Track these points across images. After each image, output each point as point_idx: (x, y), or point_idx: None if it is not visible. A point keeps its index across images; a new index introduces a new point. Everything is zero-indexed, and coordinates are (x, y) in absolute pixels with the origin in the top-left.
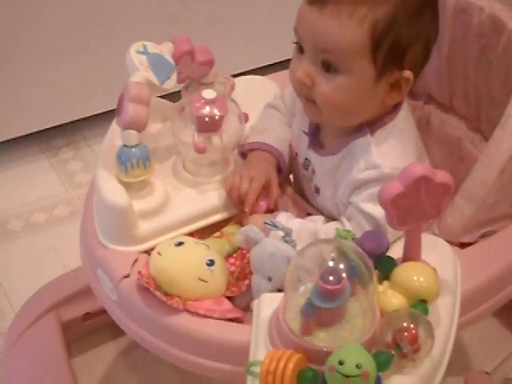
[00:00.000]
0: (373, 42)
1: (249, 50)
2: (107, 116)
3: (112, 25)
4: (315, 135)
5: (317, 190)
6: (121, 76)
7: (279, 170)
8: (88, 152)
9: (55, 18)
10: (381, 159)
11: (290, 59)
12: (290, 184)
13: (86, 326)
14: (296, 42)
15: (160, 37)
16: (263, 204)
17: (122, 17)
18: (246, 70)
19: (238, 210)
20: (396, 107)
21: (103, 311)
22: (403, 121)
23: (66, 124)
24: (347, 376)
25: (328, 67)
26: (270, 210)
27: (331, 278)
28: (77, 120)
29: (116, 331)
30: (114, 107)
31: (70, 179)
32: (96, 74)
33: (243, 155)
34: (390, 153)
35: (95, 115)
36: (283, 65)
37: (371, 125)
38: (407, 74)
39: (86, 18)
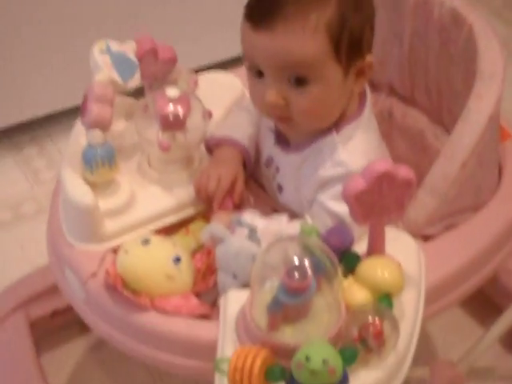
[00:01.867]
0: (332, 44)
1: (211, 44)
2: (71, 112)
3: (75, 22)
4: (281, 132)
5: (280, 188)
6: (84, 72)
7: (245, 167)
8: (52, 148)
9: (17, 15)
10: (347, 157)
11: None
12: (256, 181)
13: (55, 323)
14: (250, 69)
15: (123, 35)
16: (230, 202)
17: (85, 14)
18: (208, 63)
19: (204, 207)
20: (361, 104)
21: (71, 308)
22: (368, 118)
23: (30, 120)
24: (314, 372)
25: (298, 82)
26: (237, 207)
27: (297, 274)
28: (41, 117)
29: (84, 328)
30: (78, 103)
31: (34, 176)
32: (60, 71)
33: (209, 149)
34: (356, 150)
35: (59, 112)
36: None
37: (337, 122)
38: (369, 58)
39: (49, 15)
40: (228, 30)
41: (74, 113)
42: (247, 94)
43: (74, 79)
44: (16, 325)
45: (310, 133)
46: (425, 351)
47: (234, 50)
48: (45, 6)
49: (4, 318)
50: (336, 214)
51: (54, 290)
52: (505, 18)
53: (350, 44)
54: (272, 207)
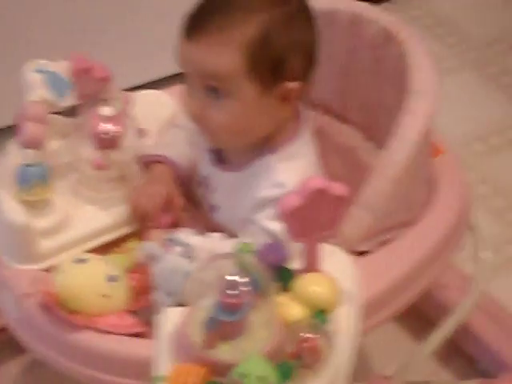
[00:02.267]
0: (247, 63)
1: (144, 64)
2: (2, 132)
3: (7, 41)
4: (218, 152)
5: (215, 208)
6: (16, 93)
7: (180, 184)
8: None
9: None
10: (284, 177)
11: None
12: (189, 200)
13: None
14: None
15: (56, 54)
16: (166, 219)
17: (18, 33)
18: (141, 83)
19: (139, 225)
20: (298, 121)
21: (3, 330)
22: (305, 138)
23: None
24: None
25: (213, 92)
26: (174, 224)
27: (231, 291)
28: None
29: (18, 348)
30: (10, 123)
31: None
32: None
33: (144, 166)
34: (294, 170)
35: None
36: (178, 78)
37: (274, 142)
38: (291, 85)
39: None
40: (161, 49)
41: (5, 133)
42: (181, 113)
43: (5, 99)
44: None
45: (246, 152)
46: (360, 367)
47: (167, 69)
48: None
49: None
50: (272, 233)
51: None
52: (436, 33)
53: (268, 66)
54: (207, 227)
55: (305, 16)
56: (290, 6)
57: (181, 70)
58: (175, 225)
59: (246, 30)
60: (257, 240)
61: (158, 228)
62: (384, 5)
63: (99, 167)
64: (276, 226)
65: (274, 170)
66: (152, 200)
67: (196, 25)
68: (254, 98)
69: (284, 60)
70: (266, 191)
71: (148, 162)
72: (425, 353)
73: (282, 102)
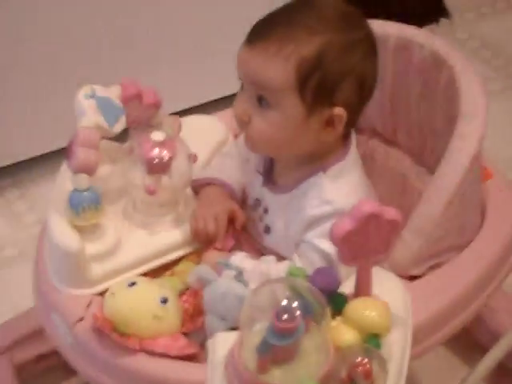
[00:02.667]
0: (299, 80)
1: (193, 87)
2: (53, 156)
3: (58, 67)
4: (269, 173)
5: (267, 230)
6: (67, 117)
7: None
8: (35, 192)
9: (1, 60)
10: (333, 195)
11: (233, 94)
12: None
13: (39, 367)
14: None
15: (107, 80)
16: (230, 239)
17: (68, 60)
18: (190, 106)
19: (203, 248)
20: (346, 143)
21: (56, 352)
22: (354, 157)
23: (13, 164)
24: None
25: (261, 101)
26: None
27: (285, 316)
28: (23, 160)
29: (69, 372)
30: (60, 147)
31: (16, 220)
32: (42, 115)
33: (196, 191)
34: (343, 189)
35: (41, 155)
36: (227, 101)
37: (324, 162)
38: (338, 111)
39: (32, 61)
40: (210, 73)
41: (55, 156)
42: (231, 138)
43: (56, 124)
44: (1, 370)
45: (295, 173)
46: None
47: (217, 92)
48: (30, 51)
49: None
50: (323, 252)
51: (38, 334)
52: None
53: (319, 88)
54: (258, 250)
55: (367, 46)
56: (354, 34)
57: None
58: (236, 246)
59: (304, 48)
60: (308, 259)
61: (221, 250)
62: (429, 27)
63: (151, 192)
64: (327, 245)
65: (323, 188)
66: (214, 221)
67: (258, 32)
68: (298, 115)
69: (336, 85)
70: (316, 209)
71: (200, 186)
72: (475, 378)
73: (325, 126)
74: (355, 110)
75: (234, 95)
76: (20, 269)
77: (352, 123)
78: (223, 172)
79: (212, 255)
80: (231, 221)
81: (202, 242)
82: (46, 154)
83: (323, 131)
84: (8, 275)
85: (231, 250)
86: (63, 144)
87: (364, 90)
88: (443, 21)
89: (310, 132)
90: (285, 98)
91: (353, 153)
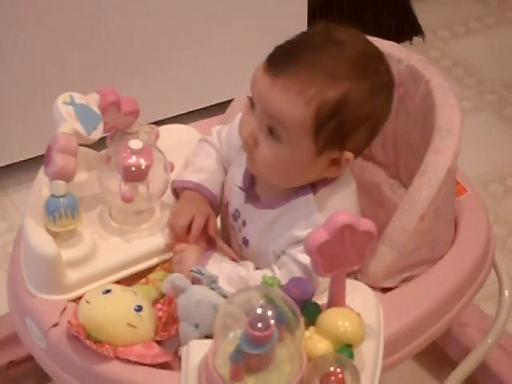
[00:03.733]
0: (316, 123)
1: (170, 98)
2: (25, 164)
3: (34, 75)
4: (250, 187)
5: (245, 242)
6: (39, 126)
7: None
8: (5, 200)
9: None
10: (322, 217)
11: (209, 106)
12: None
13: (10, 374)
14: (250, 97)
15: (86, 88)
16: (202, 241)
17: (46, 67)
18: (166, 117)
19: (164, 258)
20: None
21: (27, 359)
22: (347, 178)
23: None
24: None
25: (271, 131)
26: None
27: (259, 324)
28: None
29: (40, 379)
30: (32, 156)
31: None
32: (14, 124)
33: (176, 191)
34: (332, 211)
35: (12, 164)
36: (202, 112)
37: (314, 183)
38: (347, 155)
39: (6, 69)
40: (185, 84)
41: (27, 165)
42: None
43: (27, 133)
44: None
45: (284, 191)
46: None
47: (191, 104)
48: (10, 56)
49: None
50: (304, 266)
51: (10, 341)
52: (454, 74)
53: (334, 133)
54: (232, 258)
55: (388, 92)
56: (377, 81)
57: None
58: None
59: (326, 93)
60: (288, 270)
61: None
62: (403, 45)
63: (128, 199)
64: (308, 259)
65: (313, 211)
66: (191, 219)
67: (280, 66)
68: (307, 154)
69: (351, 132)
70: (303, 231)
71: (180, 188)
72: None
73: (330, 165)
74: (362, 150)
75: (208, 107)
76: None
77: (360, 154)
78: (206, 174)
79: (181, 247)
80: (205, 226)
81: (176, 238)
82: (16, 163)
83: (327, 169)
84: None
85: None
86: (33, 153)
87: (375, 133)
88: (416, 39)
89: (314, 169)
90: (298, 137)
91: (346, 173)
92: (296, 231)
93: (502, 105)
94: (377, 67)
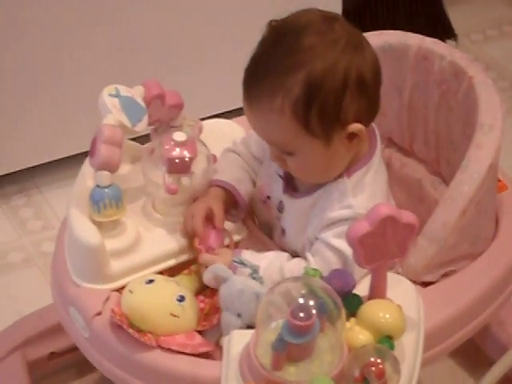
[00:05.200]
0: (300, 123)
1: (215, 95)
2: (59, 163)
3: (73, 73)
4: (290, 180)
5: (282, 232)
6: (75, 124)
7: (236, 204)
8: (40, 199)
9: (8, 65)
10: (355, 200)
11: None
12: (254, 222)
13: (52, 365)
14: None
15: (131, 80)
16: (213, 238)
17: (86, 63)
18: (212, 114)
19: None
20: (371, 148)
21: (68, 350)
22: (378, 163)
23: (18, 171)
24: None
25: (284, 151)
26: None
27: (301, 314)
28: (29, 167)
29: (81, 370)
30: (67, 155)
31: (22, 226)
32: (48, 123)
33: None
34: (364, 194)
35: (47, 163)
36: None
37: (348, 167)
38: (352, 128)
39: (46, 65)
40: (232, 81)
41: (61, 164)
42: (240, 140)
43: (61, 132)
44: (13, 367)
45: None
46: None
47: (236, 101)
48: (43, 53)
49: (1, 360)
50: (338, 251)
51: (52, 332)
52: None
53: (322, 119)
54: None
55: (348, 46)
56: (328, 46)
57: None
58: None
59: (291, 91)
60: (322, 256)
61: (204, 247)
62: None
63: (172, 192)
64: (342, 244)
65: (347, 193)
66: (190, 219)
67: (248, 87)
68: (319, 150)
69: (337, 106)
70: (336, 212)
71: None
72: None
73: (350, 141)
74: (368, 113)
75: None
76: (24, 275)
77: (370, 121)
78: (224, 172)
79: (204, 258)
80: (211, 218)
81: (186, 236)
82: (51, 162)
83: (350, 146)
84: (13, 280)
85: (236, 248)
86: (68, 152)
87: (366, 90)
88: (449, 42)
89: (339, 154)
90: (298, 144)
91: (377, 157)
92: (329, 213)
93: None
94: (319, 33)
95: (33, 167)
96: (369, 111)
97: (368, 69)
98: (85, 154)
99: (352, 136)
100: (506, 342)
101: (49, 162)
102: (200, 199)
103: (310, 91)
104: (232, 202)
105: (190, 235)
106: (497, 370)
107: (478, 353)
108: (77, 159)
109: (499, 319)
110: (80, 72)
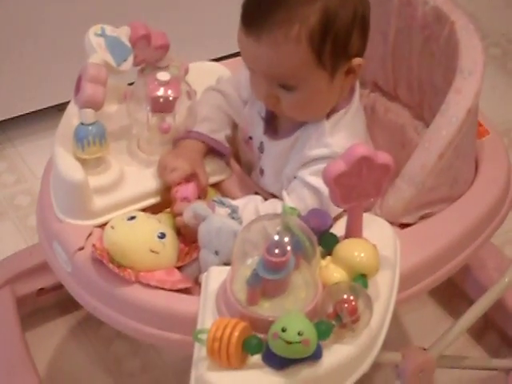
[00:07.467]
0: (316, 53)
1: (204, 41)
2: (32, 116)
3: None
4: (271, 121)
5: (261, 172)
6: (48, 77)
7: (220, 155)
8: (13, 152)
9: None
10: (332, 139)
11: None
12: (239, 164)
13: (40, 301)
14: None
15: (117, 21)
16: (189, 191)
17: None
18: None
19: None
20: (350, 93)
21: (57, 287)
22: (356, 107)
23: None
24: (289, 342)
25: (285, 87)
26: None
27: (276, 250)
28: (1, 120)
29: (64, 309)
30: (39, 108)
31: None
32: (20, 75)
33: (175, 142)
34: (342, 134)
35: (19, 116)
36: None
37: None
38: (355, 61)
39: (9, 12)
40: (223, 28)
41: (34, 117)
42: (225, 78)
43: (35, 85)
44: (2, 301)
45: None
46: (398, 339)
47: (228, 48)
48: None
49: None
50: (314, 188)
51: (40, 269)
52: None
53: (334, 50)
54: (254, 190)
55: None
56: None
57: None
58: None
59: (309, 21)
60: (298, 194)
61: (180, 197)
62: None
63: (165, 131)
64: (318, 182)
65: (325, 133)
66: (174, 174)
67: (254, 18)
68: (325, 83)
69: (347, 39)
70: (313, 151)
71: (178, 139)
72: (459, 328)
73: (346, 76)
74: (364, 50)
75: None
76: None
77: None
78: (208, 123)
79: (181, 206)
80: (194, 177)
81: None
82: (23, 114)
83: (345, 81)
84: None
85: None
86: (41, 105)
87: (366, 30)
88: None
89: (335, 89)
90: (308, 76)
91: (356, 101)
92: (307, 151)
93: (506, 58)
94: None
95: (5, 120)
96: (364, 45)
97: (367, 8)
98: (58, 108)
99: (349, 71)
100: (487, 284)
101: (22, 115)
102: (182, 155)
103: (327, 21)
104: (214, 152)
105: (168, 185)
106: (475, 310)
107: (459, 293)
108: (50, 112)
109: (481, 263)
110: (61, 18)
